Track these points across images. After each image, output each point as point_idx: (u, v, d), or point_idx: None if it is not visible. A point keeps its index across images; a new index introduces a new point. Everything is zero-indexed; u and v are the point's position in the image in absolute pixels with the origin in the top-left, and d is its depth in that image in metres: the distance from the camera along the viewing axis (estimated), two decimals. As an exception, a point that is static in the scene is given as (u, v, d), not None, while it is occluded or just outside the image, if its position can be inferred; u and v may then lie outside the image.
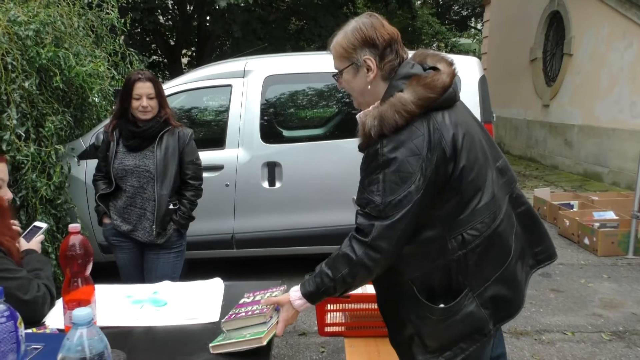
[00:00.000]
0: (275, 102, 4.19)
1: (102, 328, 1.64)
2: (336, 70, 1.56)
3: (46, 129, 3.47)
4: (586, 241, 5.14)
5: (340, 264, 1.45)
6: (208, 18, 9.14)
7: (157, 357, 1.53)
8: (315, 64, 4.05)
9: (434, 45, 21.79)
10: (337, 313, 2.32)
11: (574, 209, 5.90)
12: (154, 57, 12.04)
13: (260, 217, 4.01)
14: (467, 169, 1.43)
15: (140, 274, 2.73)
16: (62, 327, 1.64)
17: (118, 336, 1.66)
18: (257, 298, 1.68)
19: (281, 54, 4.84)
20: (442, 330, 1.48)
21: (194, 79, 4.11)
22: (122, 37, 4.63)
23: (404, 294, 1.53)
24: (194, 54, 11.75)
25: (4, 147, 3.12)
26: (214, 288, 2.06)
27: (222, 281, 2.12)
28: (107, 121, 3.14)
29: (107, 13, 4.27)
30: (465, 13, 23.95)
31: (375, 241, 1.39)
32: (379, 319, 1.75)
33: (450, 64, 1.51)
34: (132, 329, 1.72)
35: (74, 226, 1.62)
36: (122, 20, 4.42)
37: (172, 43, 11.14)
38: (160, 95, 2.67)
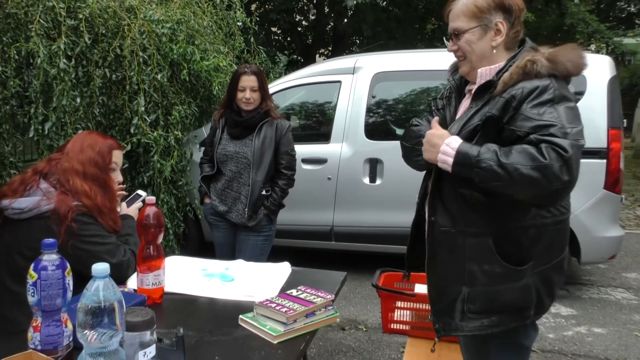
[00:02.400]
0: (382, 99, 4.19)
1: (170, 294, 1.86)
2: (456, 30, 1.54)
3: (172, 117, 3.88)
4: None
5: (522, 157, 1.32)
6: (338, 18, 9.37)
7: (205, 324, 1.66)
8: (423, 62, 3.97)
9: (592, 45, 19.85)
10: (405, 311, 2.29)
11: None
12: (293, 55, 12.65)
13: (359, 212, 4.06)
14: None
15: (233, 253, 2.93)
16: (136, 287, 1.84)
17: (181, 302, 1.84)
18: (302, 296, 1.71)
19: (392, 51, 4.82)
20: (499, 292, 1.49)
21: (306, 75, 4.28)
22: (251, 35, 4.95)
23: (477, 244, 1.50)
24: (329, 52, 12.12)
25: (132, 131, 3.55)
26: (280, 271, 2.15)
27: (290, 266, 2.21)
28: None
29: (235, 12, 4.61)
30: (633, 9, 21.46)
31: (571, 160, 1.29)
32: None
33: None
34: (197, 298, 1.88)
35: (150, 198, 1.81)
36: (249, 19, 4.74)
37: (309, 42, 11.61)
38: (263, 89, 2.85)
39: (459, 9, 1.54)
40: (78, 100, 3.48)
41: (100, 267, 1.04)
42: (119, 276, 1.93)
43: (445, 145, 1.46)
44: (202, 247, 4.43)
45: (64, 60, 3.37)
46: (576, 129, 1.36)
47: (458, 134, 1.50)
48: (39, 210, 1.81)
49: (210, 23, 4.56)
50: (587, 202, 3.65)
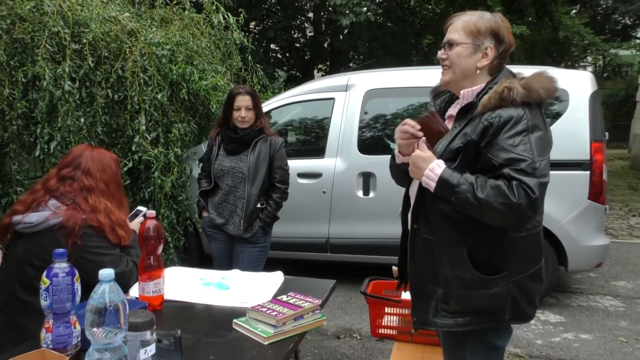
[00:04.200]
0: (374, 115, 4.34)
1: (170, 301, 1.99)
2: (451, 40, 1.67)
3: (172, 135, 4.03)
4: None
5: (493, 193, 1.49)
6: (334, 35, 9.59)
7: (202, 328, 1.79)
8: (414, 79, 4.13)
9: (587, 58, 20.02)
10: (392, 317, 2.41)
11: None
12: (292, 71, 12.88)
13: (353, 225, 4.19)
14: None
15: (230, 264, 3.06)
16: (137, 295, 1.98)
17: (180, 308, 1.98)
18: (292, 301, 1.84)
19: (384, 69, 4.99)
20: (470, 297, 1.62)
21: (301, 93, 4.44)
22: (249, 53, 5.12)
23: (452, 252, 1.63)
24: (327, 68, 12.35)
25: (133, 148, 3.71)
26: (273, 280, 2.28)
27: (282, 274, 2.34)
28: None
29: (231, 33, 4.79)
30: (628, 22, 21.69)
31: (537, 200, 1.48)
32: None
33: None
34: (194, 304, 2.01)
35: (150, 212, 1.96)
36: (246, 39, 4.92)
37: (307, 58, 11.83)
38: (257, 107, 3.01)
39: (460, 23, 1.69)
40: (82, 120, 3.65)
41: (106, 272, 1.18)
42: (122, 285, 2.01)
43: (429, 170, 1.61)
44: (202, 260, 4.56)
45: (69, 82, 3.53)
46: (544, 161, 1.52)
47: (442, 154, 1.64)
48: (47, 224, 1.95)
49: (209, 44, 4.73)
50: (572, 213, 3.78)
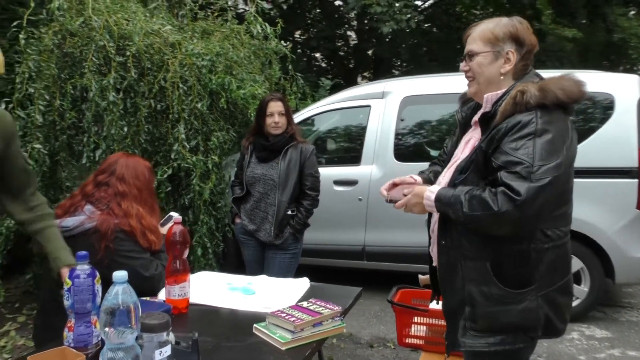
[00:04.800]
0: (411, 122, 4.30)
1: (196, 305, 2.03)
2: (470, 51, 1.66)
3: (211, 143, 4.14)
4: None
5: (477, 206, 1.50)
6: (377, 43, 9.58)
7: (223, 332, 1.82)
8: (451, 85, 4.05)
9: (647, 60, 19.07)
10: (420, 326, 2.38)
11: None
12: (336, 79, 12.94)
13: (390, 232, 4.15)
14: (572, 174, 1.60)
15: (262, 270, 3.10)
16: (164, 298, 2.03)
17: (205, 312, 2.02)
18: (312, 307, 1.85)
19: (421, 75, 4.93)
20: (498, 313, 1.57)
21: (338, 100, 4.46)
22: (290, 62, 5.19)
23: (475, 267, 1.59)
24: (371, 75, 12.34)
25: (172, 156, 3.82)
26: (299, 286, 2.30)
27: (308, 281, 2.35)
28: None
29: (270, 43, 4.88)
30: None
31: (524, 203, 1.42)
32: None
33: None
34: (219, 309, 2.05)
35: (177, 218, 2.02)
36: (285, 47, 4.99)
37: (351, 66, 11.86)
38: (288, 114, 3.06)
39: (477, 33, 1.67)
40: (125, 129, 3.80)
41: (120, 274, 1.22)
42: (152, 288, 2.13)
43: (426, 199, 1.65)
44: (239, 265, 4.61)
45: (113, 93, 3.70)
46: (547, 166, 1.45)
47: (460, 165, 1.65)
48: (82, 228, 2.04)
49: (248, 53, 4.83)
50: (619, 222, 3.61)
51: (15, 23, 3.92)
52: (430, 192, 1.64)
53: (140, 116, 3.94)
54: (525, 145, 1.47)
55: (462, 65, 1.70)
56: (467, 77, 1.70)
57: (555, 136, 1.49)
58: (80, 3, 4.04)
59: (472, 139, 1.71)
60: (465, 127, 1.79)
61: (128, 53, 3.83)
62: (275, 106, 3.01)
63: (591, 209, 3.56)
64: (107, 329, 1.19)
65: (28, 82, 3.87)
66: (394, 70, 11.11)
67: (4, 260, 3.75)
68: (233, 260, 4.74)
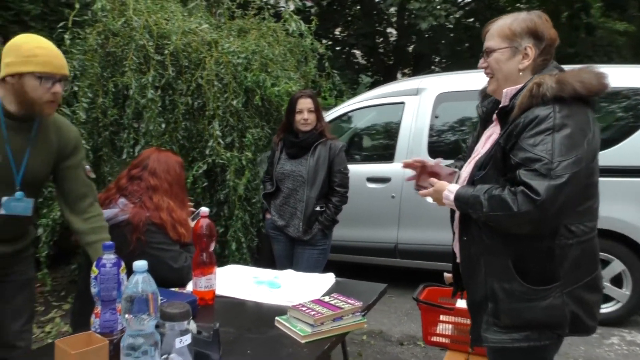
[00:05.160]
0: (445, 119, 4.24)
1: (222, 297, 2.09)
2: (488, 48, 1.65)
3: (246, 139, 4.21)
4: None
5: (496, 206, 1.49)
6: (414, 39, 9.47)
7: (246, 323, 1.86)
8: (487, 81, 3.98)
9: None
10: (446, 325, 2.35)
11: None
12: (376, 76, 12.88)
13: (423, 230, 4.12)
14: (596, 170, 1.56)
15: (291, 265, 3.14)
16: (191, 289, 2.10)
17: (230, 304, 2.07)
18: (333, 302, 1.87)
19: (456, 72, 4.85)
20: (521, 310, 1.55)
21: (372, 97, 4.45)
22: (325, 59, 5.21)
23: (497, 263, 1.58)
24: (410, 72, 12.21)
25: (207, 152, 3.91)
26: (324, 281, 2.32)
27: (334, 276, 2.37)
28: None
29: (305, 40, 4.91)
30: None
31: (544, 203, 1.40)
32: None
33: None
34: (245, 301, 2.10)
35: (204, 211, 2.07)
36: (320, 45, 5.02)
37: (390, 63, 11.78)
38: (317, 110, 3.08)
39: (494, 29, 1.65)
40: (163, 125, 3.92)
41: (140, 264, 1.28)
42: (180, 279, 2.20)
43: (445, 199, 1.66)
44: (273, 261, 4.68)
45: (152, 91, 3.81)
46: (566, 161, 1.42)
47: (479, 161, 1.64)
48: (116, 220, 2.13)
49: (284, 51, 4.88)
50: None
51: (61, 24, 4.10)
52: (449, 191, 1.64)
53: (177, 113, 4.05)
54: (543, 140, 1.44)
55: (481, 62, 1.68)
56: (486, 74, 1.69)
57: (574, 130, 1.46)
58: (123, 4, 4.18)
59: (493, 134, 1.69)
60: (486, 122, 1.77)
61: (166, 52, 3.94)
62: (305, 103, 3.04)
63: (631, 209, 3.42)
64: (127, 315, 1.25)
65: (73, 81, 4.05)
66: (433, 67, 10.96)
67: (51, 251, 3.93)
68: (267, 255, 4.79)
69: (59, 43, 4.17)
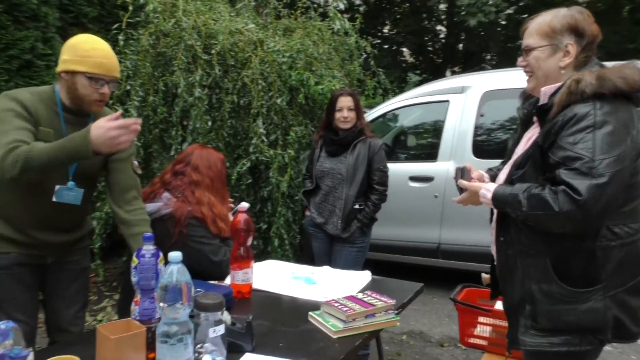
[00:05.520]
0: (491, 117, 4.15)
1: (260, 290, 2.13)
2: (527, 46, 1.62)
3: (289, 137, 4.26)
4: None
5: (536, 205, 1.45)
6: (463, 37, 9.28)
7: (280, 317, 1.90)
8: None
9: None
10: (484, 327, 2.32)
11: None
12: (424, 75, 12.72)
13: (466, 230, 4.05)
14: None
15: (329, 262, 3.16)
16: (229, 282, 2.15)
17: (267, 298, 2.12)
18: (365, 299, 1.88)
19: (503, 69, 4.72)
20: (560, 313, 1.51)
21: (415, 95, 4.41)
22: (370, 57, 5.21)
23: (535, 264, 1.55)
24: (460, 71, 11.98)
25: (250, 150, 3.99)
26: (360, 278, 2.33)
27: (370, 274, 2.38)
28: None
29: (349, 39, 4.92)
30: None
31: (587, 203, 1.36)
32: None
33: None
34: (281, 296, 2.14)
35: (242, 206, 2.12)
36: (364, 45, 5.02)
37: (439, 61, 11.60)
38: (358, 108, 3.09)
39: (534, 27, 1.61)
40: (210, 123, 4.03)
41: (175, 255, 1.33)
42: (219, 273, 2.26)
43: (482, 197, 1.64)
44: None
45: (199, 89, 3.93)
46: (608, 159, 1.37)
47: (518, 160, 1.61)
48: (159, 214, 2.21)
49: (329, 49, 4.91)
50: None
51: (115, 26, 4.28)
52: (487, 190, 1.62)
53: (224, 111, 4.15)
54: (584, 139, 1.40)
55: (520, 60, 1.64)
56: (525, 72, 1.65)
57: (616, 127, 1.41)
58: (173, 5, 4.32)
59: (533, 135, 1.64)
60: (527, 124, 1.73)
61: (213, 51, 4.05)
62: (345, 101, 3.05)
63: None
64: (162, 304, 1.30)
65: (126, 80, 4.23)
66: (484, 65, 10.70)
67: (104, 243, 4.12)
68: (310, 252, 4.84)
69: (114, 44, 4.37)
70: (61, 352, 1.29)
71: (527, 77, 1.67)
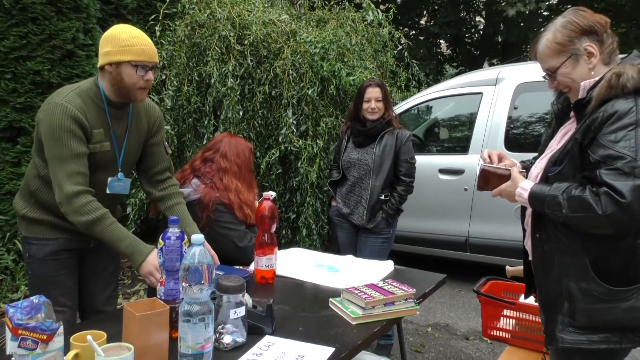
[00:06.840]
0: (525, 110, 4.07)
1: (283, 277, 2.18)
2: (549, 69, 1.60)
3: (320, 128, 4.29)
4: None
5: (577, 207, 1.42)
6: (502, 28, 9.05)
7: (302, 303, 1.94)
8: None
9: None
10: (508, 320, 2.30)
11: None
12: (461, 67, 12.50)
13: (495, 225, 4.00)
14: None
15: (355, 253, 3.18)
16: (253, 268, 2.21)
17: (290, 284, 2.17)
18: (385, 287, 1.90)
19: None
20: (599, 311, 1.49)
21: (448, 87, 4.36)
22: (404, 49, 5.17)
23: (573, 262, 1.52)
24: (498, 63, 11.72)
25: (280, 139, 4.04)
26: (382, 268, 2.35)
27: (392, 264, 2.39)
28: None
29: (382, 29, 4.90)
30: None
31: (631, 205, 1.33)
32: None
33: None
34: (304, 282, 2.18)
35: (268, 194, 2.17)
36: (397, 36, 4.99)
37: (477, 53, 11.38)
38: (386, 100, 3.08)
39: (543, 51, 1.58)
40: (241, 113, 4.09)
41: (197, 237, 1.38)
42: (245, 258, 2.32)
43: (518, 196, 1.59)
44: (343, 248, 4.76)
45: (232, 79, 4.00)
46: None
47: (555, 156, 1.57)
48: (189, 199, 2.29)
49: (362, 40, 4.90)
50: None
51: (153, 17, 4.39)
52: (523, 189, 1.57)
53: (255, 101, 4.21)
54: (626, 136, 1.36)
55: (549, 85, 1.62)
56: (563, 90, 1.62)
57: None
58: (208, -3, 4.40)
59: (570, 131, 1.60)
60: (562, 119, 1.69)
61: (246, 42, 4.10)
62: (373, 92, 3.05)
63: None
64: (184, 284, 1.36)
65: (162, 70, 4.34)
66: (523, 56, 10.42)
67: (138, 229, 4.26)
68: (337, 242, 4.87)
69: (151, 35, 4.48)
70: (90, 329, 1.36)
71: (567, 93, 1.62)
